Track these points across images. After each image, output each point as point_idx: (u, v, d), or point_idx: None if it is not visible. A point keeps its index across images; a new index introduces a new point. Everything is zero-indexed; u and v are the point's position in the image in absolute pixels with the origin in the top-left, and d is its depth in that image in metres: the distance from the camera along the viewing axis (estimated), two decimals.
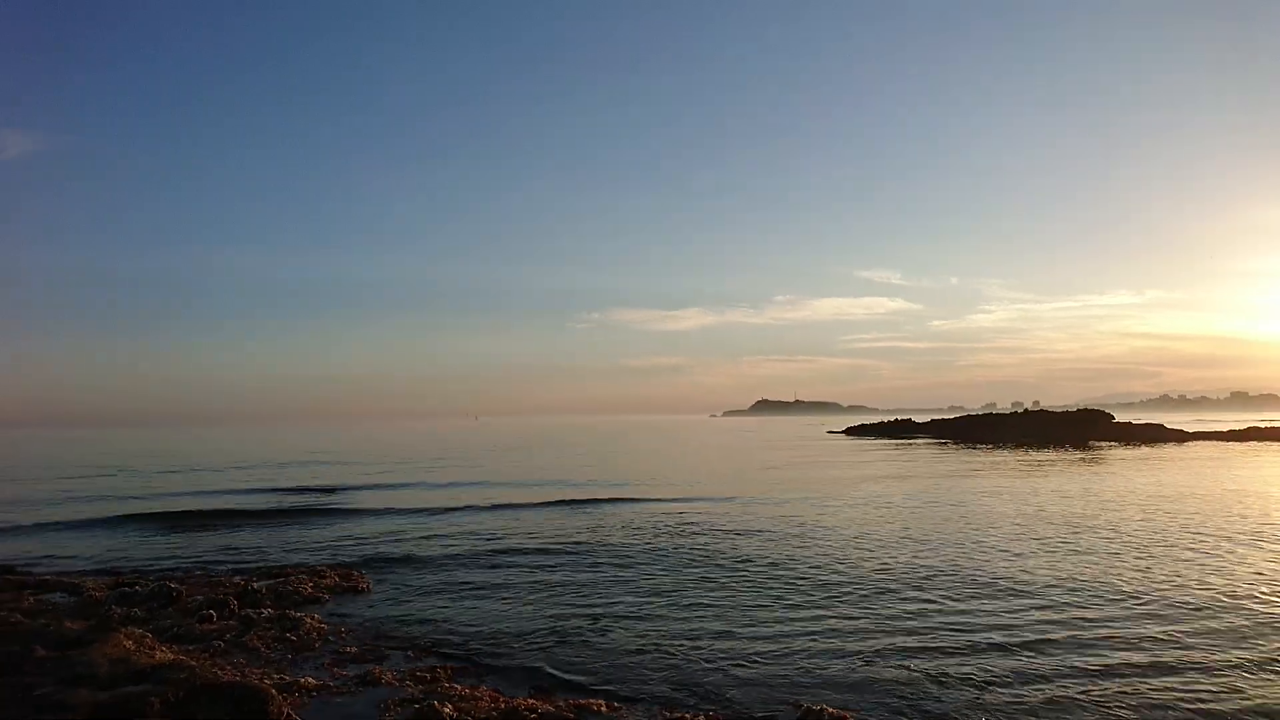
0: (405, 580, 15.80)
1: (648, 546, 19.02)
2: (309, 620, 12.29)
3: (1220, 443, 65.89)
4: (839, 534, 20.31)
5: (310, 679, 9.69)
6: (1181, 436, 69.44)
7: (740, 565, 16.52)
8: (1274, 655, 10.20)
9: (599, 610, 13.09)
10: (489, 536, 21.08)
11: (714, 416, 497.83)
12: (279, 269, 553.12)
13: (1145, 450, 57.11)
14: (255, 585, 14.47)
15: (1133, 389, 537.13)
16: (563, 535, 21.07)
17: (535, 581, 15.46)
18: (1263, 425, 79.27)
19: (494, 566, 17.06)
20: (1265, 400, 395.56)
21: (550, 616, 12.76)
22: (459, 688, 9.36)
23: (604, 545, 19.34)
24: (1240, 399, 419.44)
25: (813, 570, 15.87)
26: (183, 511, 27.00)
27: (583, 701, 8.99)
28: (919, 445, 71.63)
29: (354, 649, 11.20)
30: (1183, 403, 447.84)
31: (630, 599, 13.90)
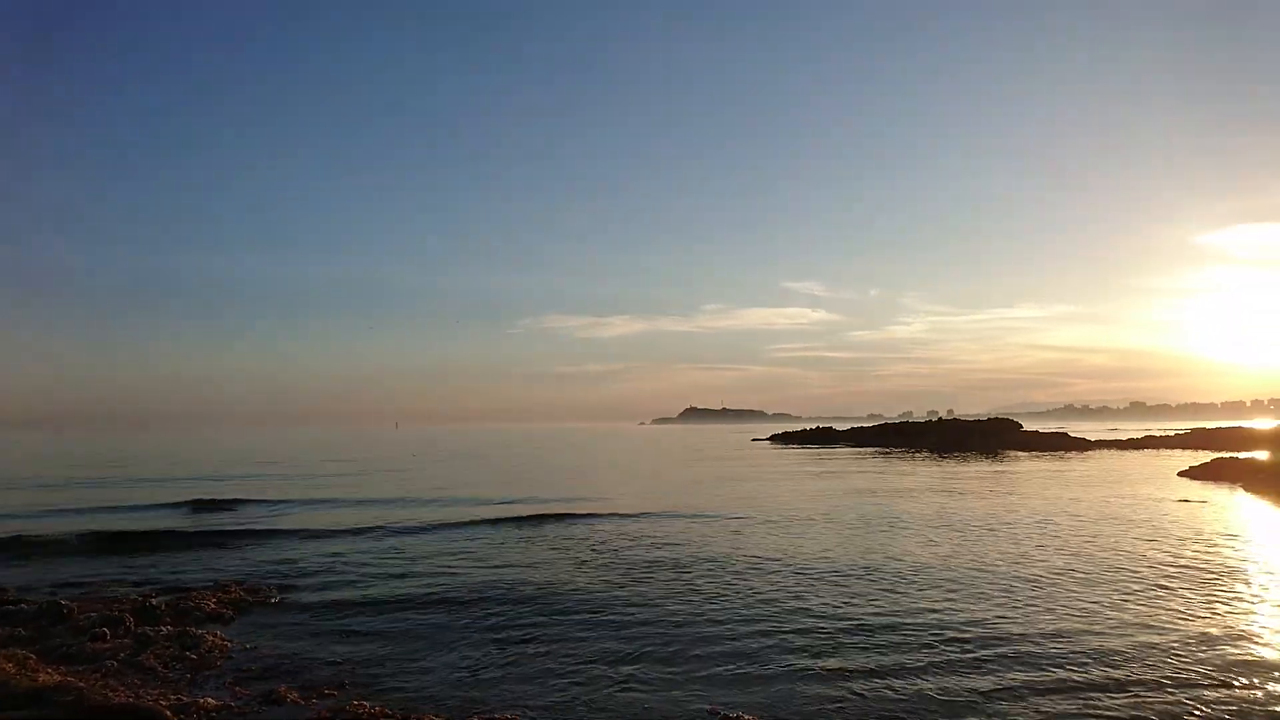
0: (311, 598, 15.26)
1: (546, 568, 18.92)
2: (211, 637, 11.80)
3: (1119, 451, 69.53)
4: (762, 544, 20.65)
5: (210, 699, 9.31)
6: (1084, 445, 73.02)
7: (651, 571, 16.65)
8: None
9: (516, 634, 12.93)
10: (400, 555, 20.55)
11: (643, 424, 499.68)
12: (203, 268, 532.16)
13: (1050, 457, 59.91)
14: (154, 601, 13.81)
15: (1040, 399, 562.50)
16: (474, 556, 20.78)
17: (448, 600, 15.18)
18: (1158, 434, 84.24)
19: (403, 589, 16.58)
20: (1160, 410, 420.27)
21: (461, 639, 12.36)
22: (366, 705, 9.14)
23: (517, 565, 19.16)
24: (1139, 409, 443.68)
25: (729, 583, 16.09)
26: (88, 533, 25.48)
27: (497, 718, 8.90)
28: (839, 453, 73.43)
29: (258, 667, 10.82)
30: (1086, 412, 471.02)
31: (553, 628, 13.81)
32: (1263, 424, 78.53)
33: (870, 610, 13.33)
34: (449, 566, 18.16)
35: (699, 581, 15.81)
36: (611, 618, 13.14)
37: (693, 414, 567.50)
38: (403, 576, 16.84)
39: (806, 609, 13.47)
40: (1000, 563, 17.20)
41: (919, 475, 43.12)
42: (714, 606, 13.74)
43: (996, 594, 14.35)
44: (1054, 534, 21.19)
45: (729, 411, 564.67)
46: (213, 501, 32.40)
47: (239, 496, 34.70)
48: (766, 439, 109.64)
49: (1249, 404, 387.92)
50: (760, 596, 14.45)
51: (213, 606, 13.85)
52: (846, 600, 14.07)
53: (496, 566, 17.96)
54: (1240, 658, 10.52)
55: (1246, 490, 32.08)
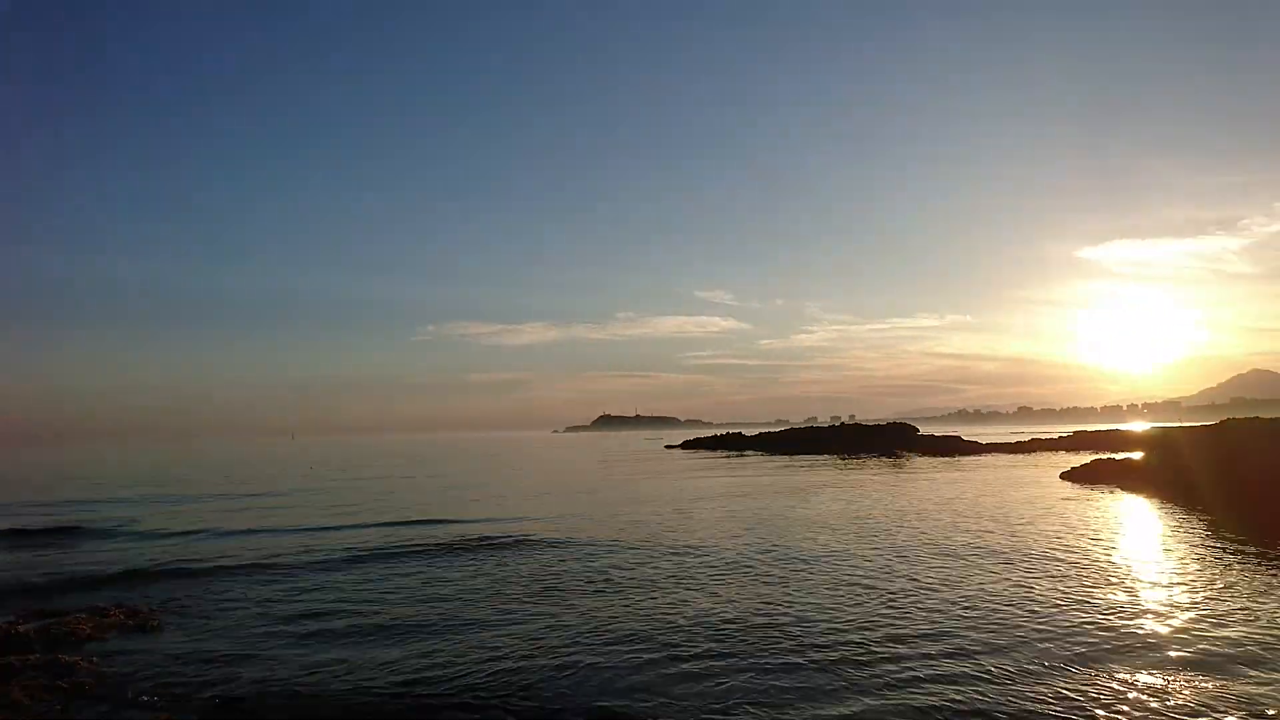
0: (196, 620, 14.47)
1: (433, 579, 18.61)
2: (85, 664, 11.09)
3: (1008, 453, 73.28)
4: (661, 543, 20.85)
5: None
6: (976, 448, 76.65)
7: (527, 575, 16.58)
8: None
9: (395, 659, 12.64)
10: (289, 578, 19.79)
11: (556, 432, 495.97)
12: (82, 272, 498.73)
13: (943, 460, 62.66)
14: (21, 629, 12.86)
15: (936, 404, 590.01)
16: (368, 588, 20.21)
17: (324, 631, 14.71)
18: (1043, 437, 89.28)
19: (289, 613, 16.05)
20: (1046, 414, 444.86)
21: (344, 668, 11.78)
22: None
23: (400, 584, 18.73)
24: (1025, 413, 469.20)
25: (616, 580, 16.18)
26: None
27: None
28: (748, 457, 74.85)
29: (138, 694, 10.21)
30: (978, 416, 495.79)
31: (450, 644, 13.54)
32: (1137, 427, 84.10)
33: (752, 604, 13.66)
34: (358, 597, 17.61)
35: (574, 584, 15.84)
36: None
37: (607, 421, 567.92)
38: (289, 615, 16.18)
39: (685, 603, 13.69)
40: (879, 556, 17.91)
41: (819, 476, 44.37)
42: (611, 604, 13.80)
43: (868, 586, 14.94)
44: (935, 530, 22.19)
45: (643, 418, 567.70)
46: (66, 530, 28.90)
47: (95, 519, 32.59)
48: (679, 445, 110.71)
49: (1125, 408, 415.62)
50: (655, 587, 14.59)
51: (88, 631, 13.01)
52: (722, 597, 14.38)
53: (391, 602, 17.48)
54: (1095, 637, 11.30)
55: (1122, 489, 34.31)
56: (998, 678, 10.07)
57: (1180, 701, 9.14)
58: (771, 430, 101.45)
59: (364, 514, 31.52)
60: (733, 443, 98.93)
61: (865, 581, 15.97)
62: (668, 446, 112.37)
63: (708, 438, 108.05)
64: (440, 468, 71.45)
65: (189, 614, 14.73)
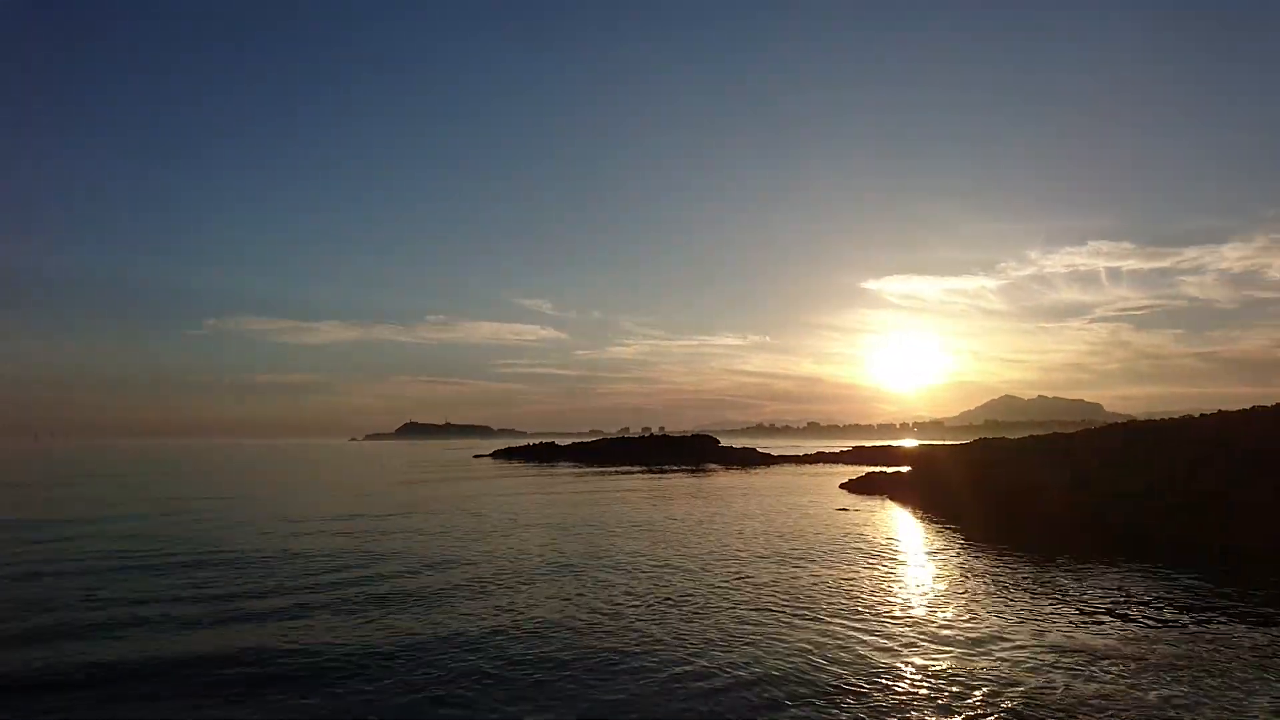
0: None
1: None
2: None
3: (796, 465, 79.43)
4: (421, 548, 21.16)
5: None
6: (769, 460, 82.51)
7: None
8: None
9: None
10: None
11: (355, 440, 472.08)
12: None
13: (740, 470, 67.03)
14: None
15: (737, 418, 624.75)
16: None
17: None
18: (828, 451, 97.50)
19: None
20: (831, 430, 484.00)
21: None
22: None
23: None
24: (814, 428, 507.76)
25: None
26: None
27: None
28: (560, 467, 75.84)
29: None
30: (773, 430, 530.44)
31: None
32: (908, 443, 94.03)
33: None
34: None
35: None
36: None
37: (413, 429, 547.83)
38: None
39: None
40: (669, 559, 19.43)
41: (629, 486, 46.15)
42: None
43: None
44: (721, 534, 24.22)
45: (453, 427, 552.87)
46: None
47: None
48: (489, 455, 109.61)
49: (898, 426, 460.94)
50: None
51: None
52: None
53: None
54: (844, 624, 13.20)
55: (891, 500, 38.61)
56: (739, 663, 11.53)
57: (923, 678, 10.99)
58: (585, 440, 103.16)
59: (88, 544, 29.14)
60: (546, 452, 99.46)
61: (621, 586, 17.25)
62: (477, 456, 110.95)
63: (520, 447, 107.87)
64: (230, 479, 66.37)
65: None
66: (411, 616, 14.44)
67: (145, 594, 16.50)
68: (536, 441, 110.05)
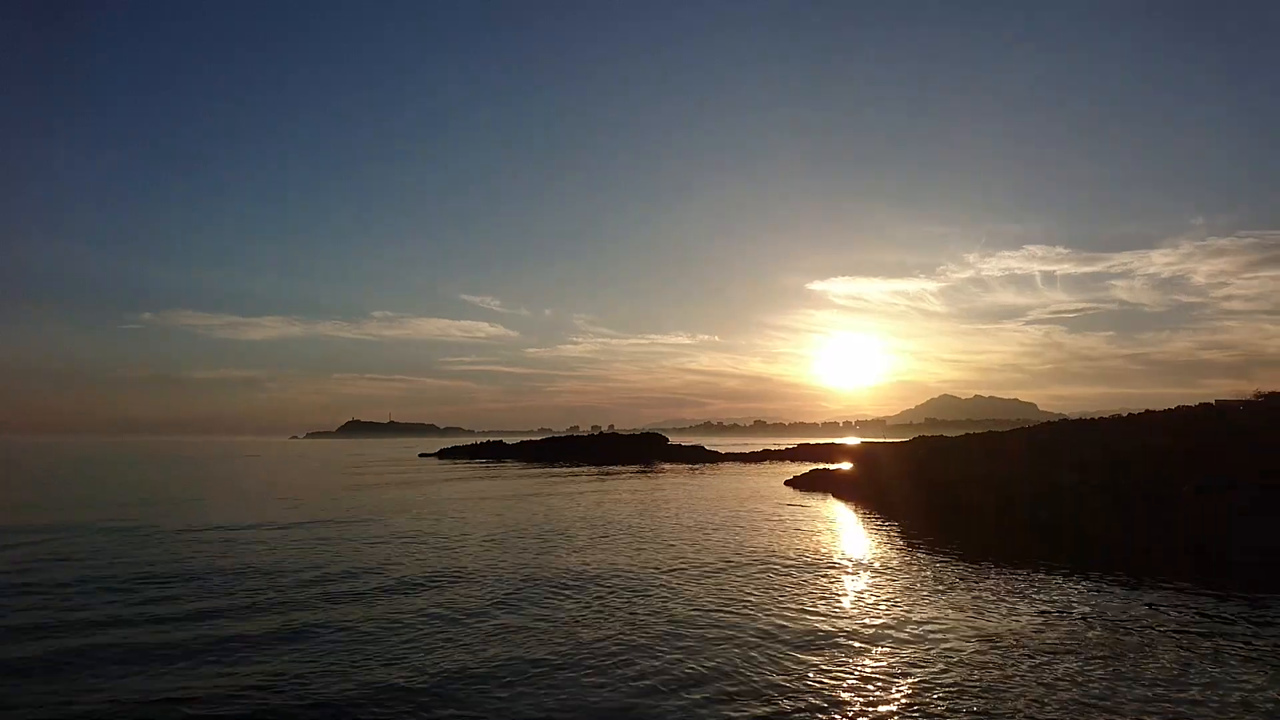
0: None
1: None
2: None
3: (743, 463, 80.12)
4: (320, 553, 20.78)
5: None
6: (716, 457, 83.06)
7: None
8: None
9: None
10: None
11: (296, 438, 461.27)
12: None
13: (688, 467, 67.28)
14: None
15: (686, 416, 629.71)
16: None
17: None
18: (773, 448, 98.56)
19: None
20: (777, 428, 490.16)
21: None
22: None
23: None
24: (761, 426, 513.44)
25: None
26: None
27: None
28: (506, 466, 75.09)
29: None
30: (720, 428, 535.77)
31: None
32: (850, 441, 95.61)
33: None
34: None
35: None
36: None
37: (355, 428, 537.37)
38: None
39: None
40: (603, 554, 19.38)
41: (573, 486, 45.93)
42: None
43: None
44: (670, 531, 24.25)
45: (397, 425, 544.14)
46: None
47: None
48: (435, 454, 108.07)
49: (841, 424, 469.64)
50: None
51: None
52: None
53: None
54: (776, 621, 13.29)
55: (834, 496, 39.14)
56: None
57: (849, 674, 11.09)
58: (533, 439, 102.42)
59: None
60: (493, 451, 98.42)
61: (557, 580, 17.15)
62: (422, 455, 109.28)
63: (466, 446, 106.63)
64: (163, 479, 64.14)
65: None
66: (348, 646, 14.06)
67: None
68: (485, 440, 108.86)
